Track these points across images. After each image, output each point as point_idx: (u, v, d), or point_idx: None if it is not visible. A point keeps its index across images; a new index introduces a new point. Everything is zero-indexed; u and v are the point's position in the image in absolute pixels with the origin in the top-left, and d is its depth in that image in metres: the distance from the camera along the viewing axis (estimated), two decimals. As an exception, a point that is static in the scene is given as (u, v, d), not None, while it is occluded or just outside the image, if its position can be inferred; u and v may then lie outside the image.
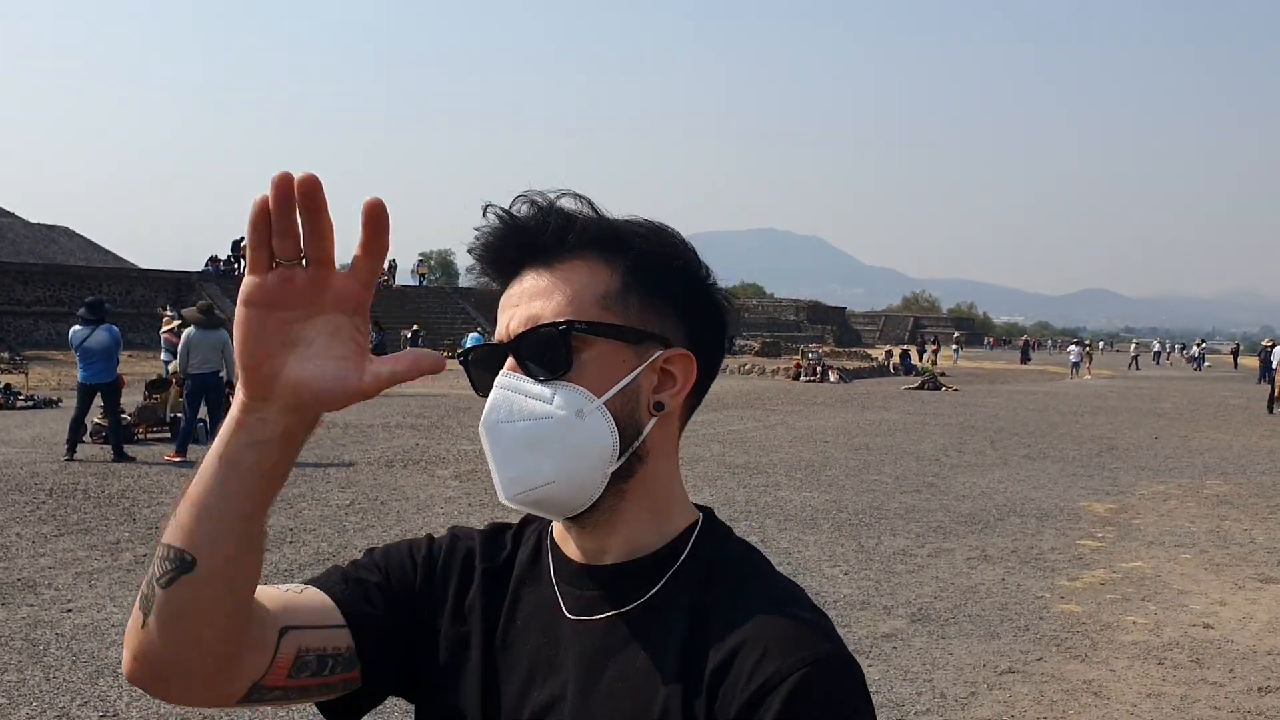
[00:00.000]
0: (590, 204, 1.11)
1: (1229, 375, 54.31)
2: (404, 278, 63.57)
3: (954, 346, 64.42)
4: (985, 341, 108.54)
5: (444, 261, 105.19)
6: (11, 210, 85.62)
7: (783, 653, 0.99)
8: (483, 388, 1.11)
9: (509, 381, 1.07)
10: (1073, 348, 52.89)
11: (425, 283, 63.57)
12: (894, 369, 42.24)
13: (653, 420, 1.09)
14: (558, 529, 1.17)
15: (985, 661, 6.02)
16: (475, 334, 41.02)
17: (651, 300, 1.10)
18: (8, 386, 19.88)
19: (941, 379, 34.78)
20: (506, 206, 1.10)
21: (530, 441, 1.05)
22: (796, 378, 35.48)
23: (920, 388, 32.93)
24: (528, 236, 1.09)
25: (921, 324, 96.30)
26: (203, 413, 13.11)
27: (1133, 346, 73.85)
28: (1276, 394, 24.81)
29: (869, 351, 54.04)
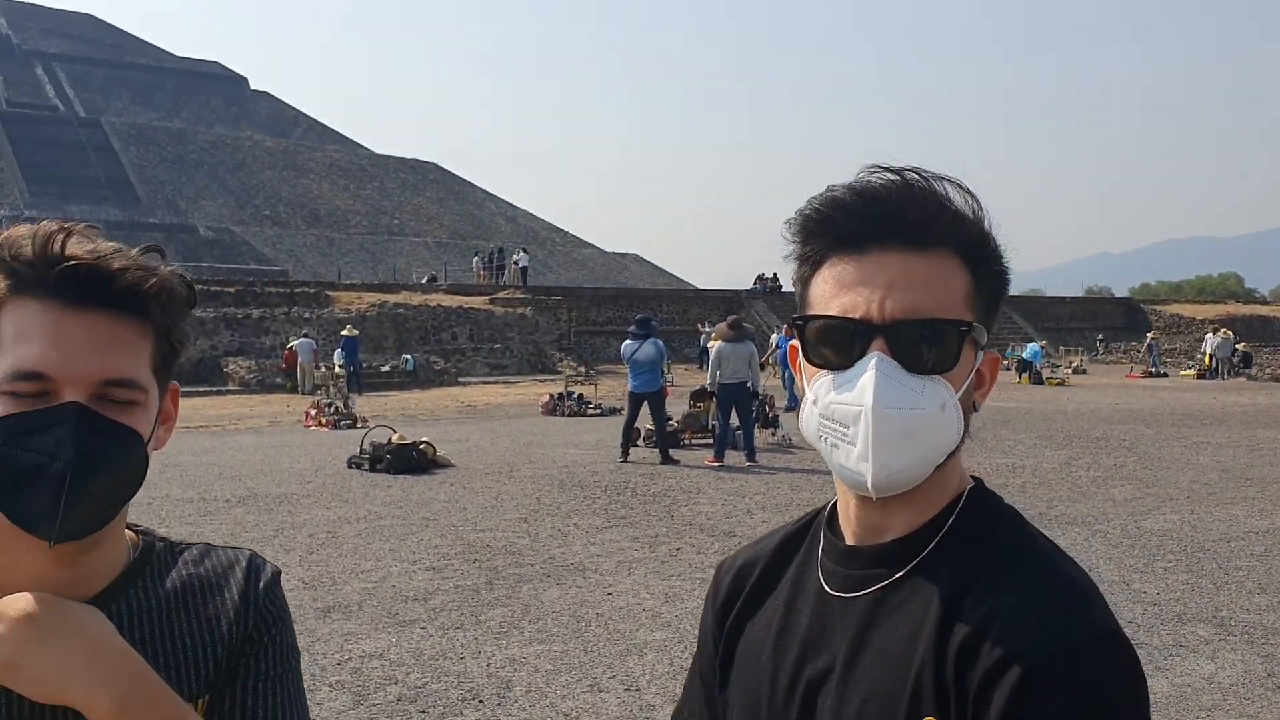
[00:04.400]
0: (974, 199, 1.11)
1: None
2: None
3: None
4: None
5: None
6: (591, 241, 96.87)
7: (1024, 635, 0.98)
8: (820, 359, 1.10)
9: (892, 370, 1.05)
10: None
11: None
12: None
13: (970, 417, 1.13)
14: (845, 507, 1.17)
15: None
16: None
17: (988, 299, 1.13)
18: (580, 396, 22.45)
19: None
20: (877, 176, 1.09)
21: (906, 432, 1.05)
22: None
23: None
24: (913, 214, 1.07)
25: None
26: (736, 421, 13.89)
27: None
28: None
29: None
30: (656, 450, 14.09)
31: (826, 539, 1.19)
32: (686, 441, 15.84)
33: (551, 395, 22.84)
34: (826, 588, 1.15)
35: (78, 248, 1.03)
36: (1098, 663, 0.98)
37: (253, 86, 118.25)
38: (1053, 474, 13.03)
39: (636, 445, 14.47)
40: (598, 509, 10.42)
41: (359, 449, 13.67)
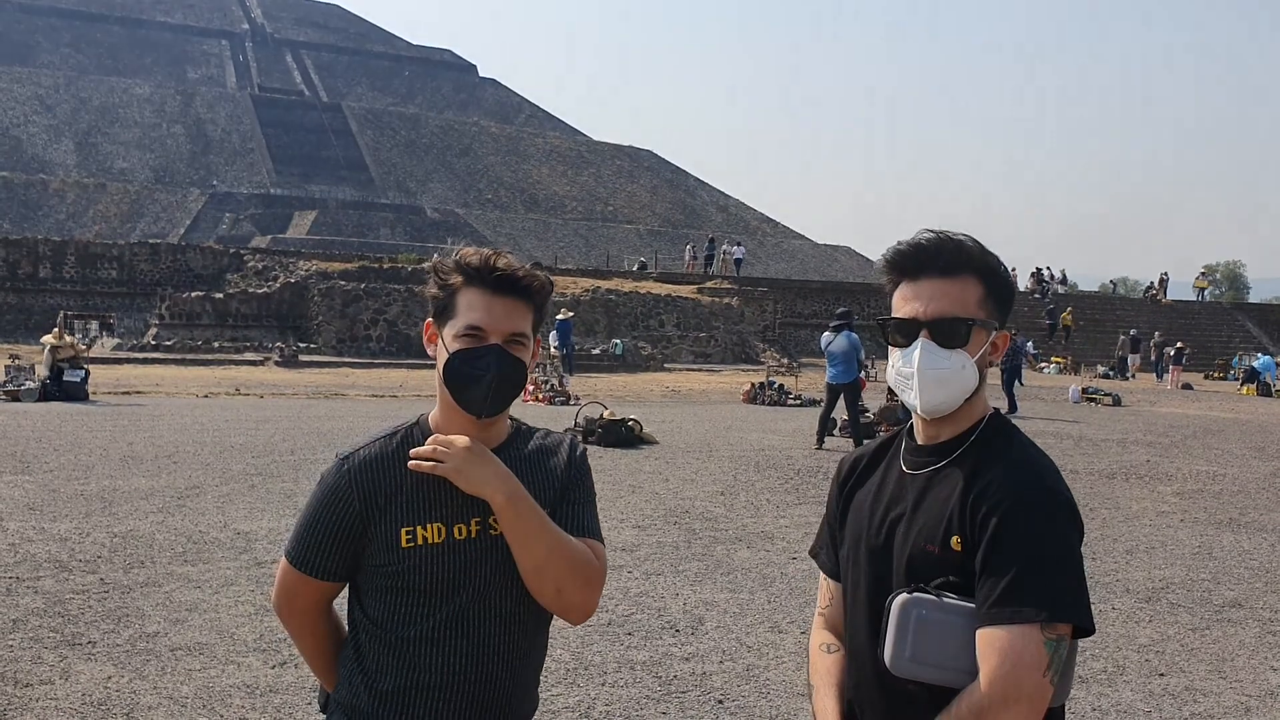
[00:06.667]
0: (977, 243, 1.95)
1: None
2: (1182, 291, 60.64)
3: None
4: None
5: (1231, 274, 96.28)
6: (802, 233, 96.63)
7: (1011, 485, 1.85)
8: (894, 341, 1.99)
9: (930, 346, 1.92)
10: None
11: (1204, 297, 59.37)
12: None
13: (986, 371, 1.99)
14: (917, 423, 2.04)
15: None
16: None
17: (997, 303, 1.97)
18: (781, 386, 23.13)
19: None
20: (923, 235, 1.96)
21: (940, 381, 1.91)
22: None
23: None
24: (943, 257, 1.93)
25: None
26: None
27: None
28: None
29: None
30: (851, 440, 14.71)
31: (907, 442, 2.06)
32: (882, 433, 16.24)
33: (753, 384, 23.59)
34: (904, 468, 2.01)
35: (501, 261, 1.96)
36: (1042, 508, 1.82)
37: (480, 74, 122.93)
38: (1254, 484, 12.99)
39: (832, 435, 15.11)
40: (789, 488, 11.21)
41: (574, 422, 14.87)
